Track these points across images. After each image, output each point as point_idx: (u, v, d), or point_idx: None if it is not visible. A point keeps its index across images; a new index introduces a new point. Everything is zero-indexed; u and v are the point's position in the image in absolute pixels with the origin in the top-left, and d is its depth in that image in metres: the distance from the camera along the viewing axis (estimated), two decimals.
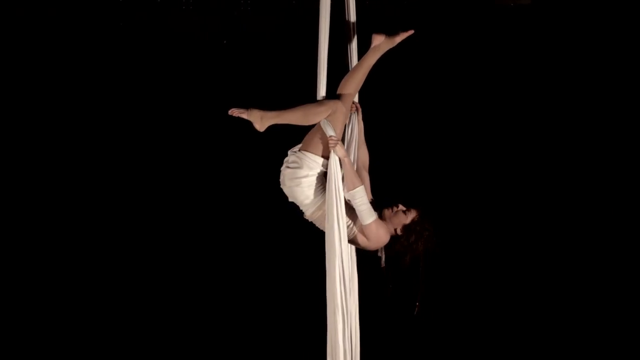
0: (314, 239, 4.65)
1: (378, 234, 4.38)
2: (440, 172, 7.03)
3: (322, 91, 4.55)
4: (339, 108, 4.41)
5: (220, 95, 7.04)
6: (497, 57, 7.05)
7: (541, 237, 6.98)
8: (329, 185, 4.31)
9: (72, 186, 6.90)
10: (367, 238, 4.39)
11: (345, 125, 4.55)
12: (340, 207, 4.30)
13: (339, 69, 5.00)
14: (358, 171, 4.59)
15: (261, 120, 4.43)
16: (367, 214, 4.34)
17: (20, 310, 6.71)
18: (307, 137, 4.47)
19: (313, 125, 4.45)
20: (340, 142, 4.33)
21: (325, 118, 4.38)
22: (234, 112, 4.42)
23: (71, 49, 6.92)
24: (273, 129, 4.48)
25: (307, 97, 4.79)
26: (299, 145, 4.48)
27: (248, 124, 4.43)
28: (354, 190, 4.33)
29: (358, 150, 4.69)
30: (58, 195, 6.89)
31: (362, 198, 4.32)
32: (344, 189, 4.34)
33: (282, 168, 4.48)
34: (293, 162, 4.42)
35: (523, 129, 7.07)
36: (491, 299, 6.88)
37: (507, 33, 7.04)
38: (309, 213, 4.46)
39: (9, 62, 6.88)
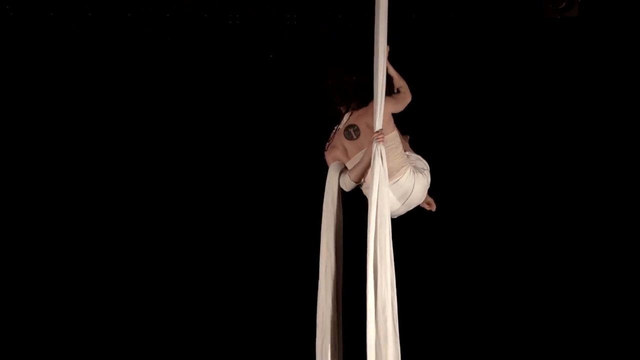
0: (313, 238, 4.70)
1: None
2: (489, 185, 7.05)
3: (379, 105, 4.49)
4: None
5: (267, 109, 7.09)
6: (546, 70, 7.05)
7: (545, 237, 7.06)
8: None
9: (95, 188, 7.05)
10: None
11: None
12: None
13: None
14: None
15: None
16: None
17: (20, 310, 6.83)
18: None
19: None
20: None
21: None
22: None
23: (120, 63, 7.02)
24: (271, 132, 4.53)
25: None
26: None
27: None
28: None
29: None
30: (70, 196, 7.03)
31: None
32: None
33: None
34: None
35: (575, 141, 7.07)
36: (491, 299, 6.95)
37: (555, 45, 7.03)
38: None
39: (51, 68, 7.01)
